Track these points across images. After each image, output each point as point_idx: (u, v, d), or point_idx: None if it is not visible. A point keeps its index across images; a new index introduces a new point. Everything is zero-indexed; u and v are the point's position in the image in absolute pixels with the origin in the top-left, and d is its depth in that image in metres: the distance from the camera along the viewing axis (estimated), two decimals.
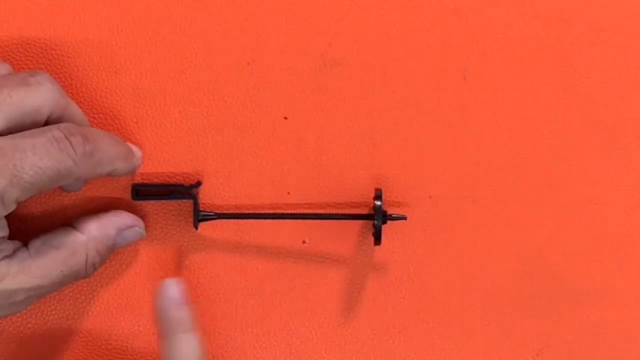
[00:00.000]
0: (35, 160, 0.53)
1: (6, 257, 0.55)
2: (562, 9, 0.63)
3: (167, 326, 0.57)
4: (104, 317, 0.62)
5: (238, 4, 0.62)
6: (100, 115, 0.61)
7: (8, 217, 0.55)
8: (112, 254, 0.60)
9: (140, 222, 0.61)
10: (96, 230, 0.58)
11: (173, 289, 0.57)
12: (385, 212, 0.60)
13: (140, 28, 0.61)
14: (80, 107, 0.59)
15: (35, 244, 0.56)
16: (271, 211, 0.62)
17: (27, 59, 0.61)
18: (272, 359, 0.62)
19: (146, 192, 0.61)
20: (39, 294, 0.56)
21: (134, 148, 0.60)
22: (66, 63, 0.61)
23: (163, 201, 0.61)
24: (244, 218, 0.61)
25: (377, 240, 0.60)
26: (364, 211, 0.62)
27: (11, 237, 0.56)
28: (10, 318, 0.61)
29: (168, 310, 0.57)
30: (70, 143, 0.54)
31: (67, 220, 0.59)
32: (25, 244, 0.56)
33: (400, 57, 0.62)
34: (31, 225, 0.61)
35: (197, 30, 0.61)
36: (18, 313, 0.61)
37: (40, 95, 0.55)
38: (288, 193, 0.62)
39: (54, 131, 0.54)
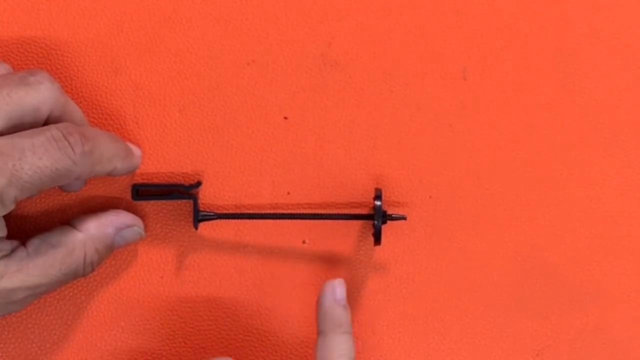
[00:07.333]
0: (34, 160, 0.53)
1: (4, 256, 0.55)
2: (562, 9, 0.63)
3: (329, 324, 0.58)
4: (103, 317, 0.62)
5: (238, 4, 0.62)
6: (100, 115, 0.61)
7: (7, 217, 0.55)
8: (111, 254, 0.60)
9: (140, 222, 0.60)
10: (95, 229, 0.58)
11: (340, 290, 0.59)
12: (385, 212, 0.60)
13: (140, 28, 0.61)
14: (80, 107, 0.59)
15: (34, 242, 0.56)
16: (271, 211, 0.62)
17: (27, 59, 0.61)
18: (272, 358, 0.62)
19: (146, 192, 0.61)
20: (38, 293, 0.56)
21: (134, 148, 0.60)
22: (66, 63, 0.61)
23: (163, 201, 0.61)
24: (244, 218, 0.61)
25: (377, 240, 0.60)
26: (364, 211, 0.62)
27: (10, 236, 0.56)
28: (10, 318, 0.61)
29: (333, 310, 0.58)
30: (69, 142, 0.54)
31: (66, 219, 0.59)
32: (24, 243, 0.56)
33: (400, 57, 0.62)
34: (30, 225, 0.61)
35: (197, 30, 0.61)
36: (17, 313, 0.61)
37: (39, 95, 0.55)
38: (288, 193, 0.62)
39: (52, 131, 0.54)
